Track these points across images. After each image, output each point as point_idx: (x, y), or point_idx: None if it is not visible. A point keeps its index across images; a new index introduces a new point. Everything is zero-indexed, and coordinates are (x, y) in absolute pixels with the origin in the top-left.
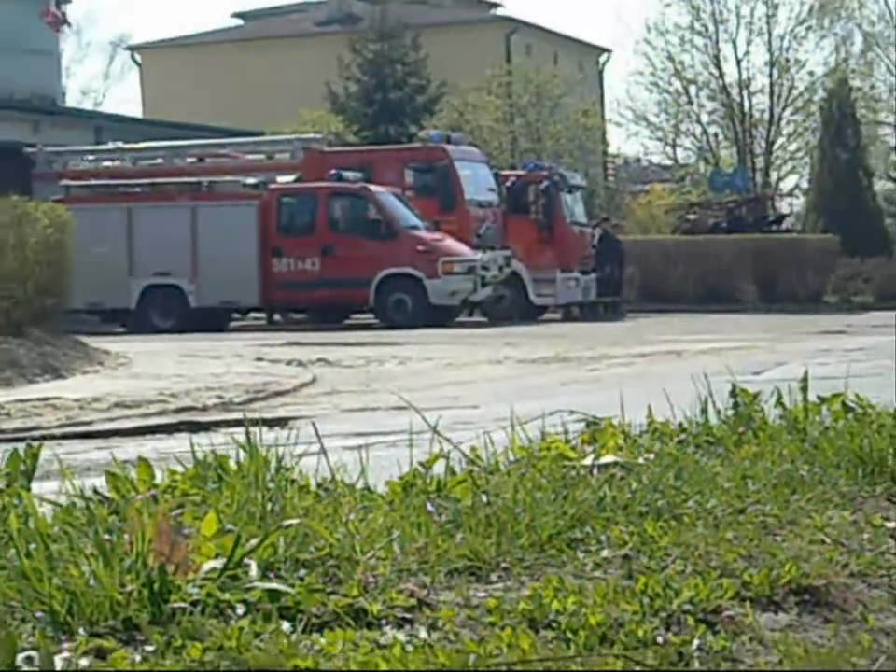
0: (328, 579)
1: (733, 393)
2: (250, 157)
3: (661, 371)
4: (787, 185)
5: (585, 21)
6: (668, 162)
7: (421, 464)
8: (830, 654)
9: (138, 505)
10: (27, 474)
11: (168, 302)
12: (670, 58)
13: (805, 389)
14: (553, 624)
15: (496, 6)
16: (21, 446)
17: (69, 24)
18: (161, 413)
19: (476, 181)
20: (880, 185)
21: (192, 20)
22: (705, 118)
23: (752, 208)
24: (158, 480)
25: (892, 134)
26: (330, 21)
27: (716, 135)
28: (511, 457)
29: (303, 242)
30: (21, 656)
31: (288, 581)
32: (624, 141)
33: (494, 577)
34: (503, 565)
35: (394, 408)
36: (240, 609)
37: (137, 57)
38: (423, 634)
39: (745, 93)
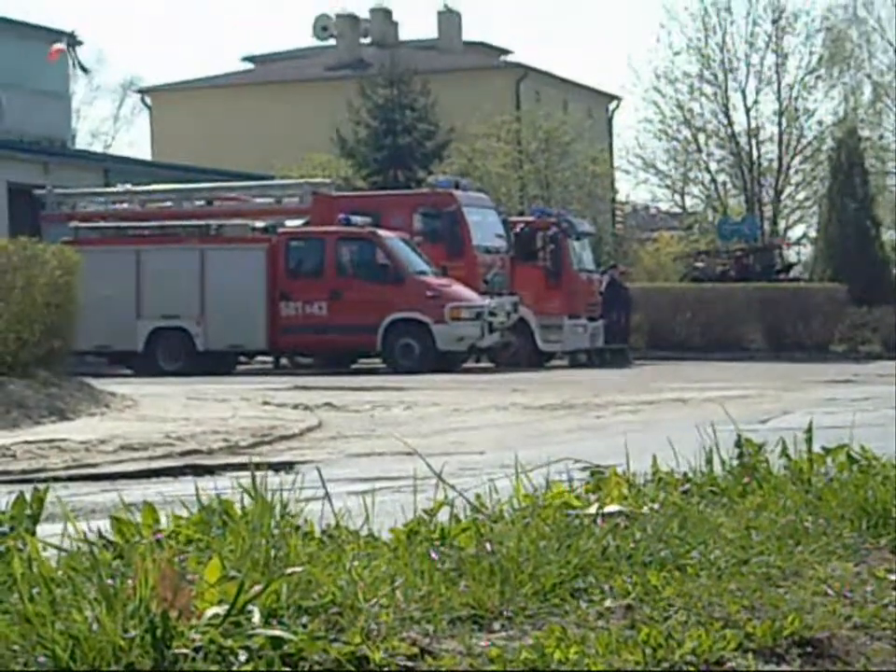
0: (330, 626)
1: (738, 443)
2: (259, 200)
3: (667, 419)
4: (795, 233)
5: (595, 68)
6: (677, 210)
7: (425, 511)
8: None
9: (142, 550)
10: (33, 518)
11: (175, 345)
12: (679, 106)
13: (809, 440)
14: None
15: (505, 52)
16: (26, 488)
17: (84, 70)
18: (166, 456)
19: (484, 227)
20: (888, 235)
21: (202, 63)
22: (713, 166)
23: (760, 257)
24: (162, 524)
25: None
26: (340, 66)
27: (724, 184)
28: (516, 505)
29: (311, 286)
30: None
31: (291, 629)
32: (633, 188)
33: (497, 626)
34: (506, 613)
35: (399, 453)
36: (242, 656)
37: (147, 100)
38: None
39: (754, 142)
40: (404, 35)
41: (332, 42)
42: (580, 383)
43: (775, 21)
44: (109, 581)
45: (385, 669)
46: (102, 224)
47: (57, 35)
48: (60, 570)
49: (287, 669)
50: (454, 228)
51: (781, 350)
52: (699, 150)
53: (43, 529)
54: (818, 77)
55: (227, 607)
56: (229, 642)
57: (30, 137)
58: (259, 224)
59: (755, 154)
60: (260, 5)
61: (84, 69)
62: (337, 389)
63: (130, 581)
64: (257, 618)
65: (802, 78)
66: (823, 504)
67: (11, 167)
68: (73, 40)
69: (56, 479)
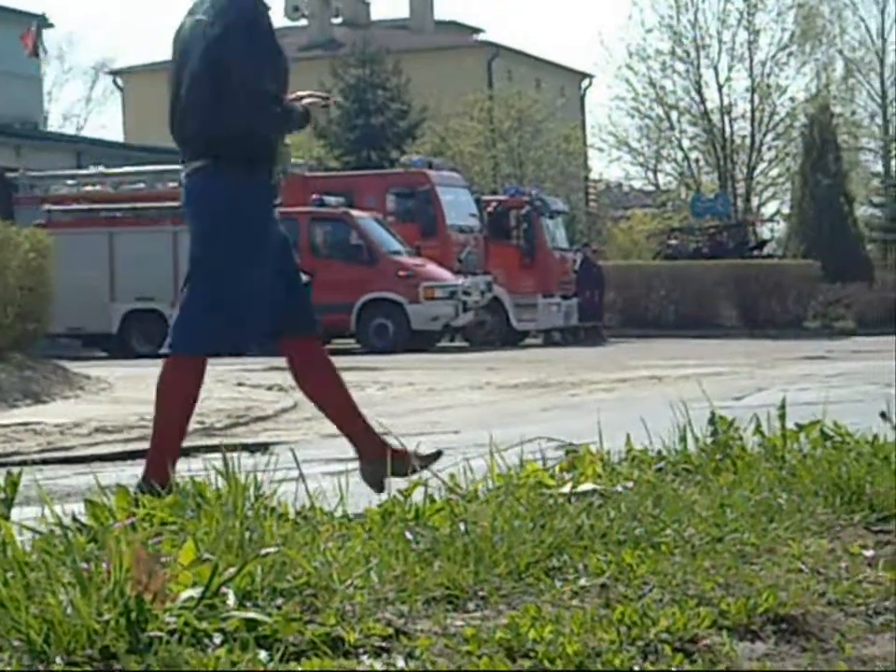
0: (305, 607)
1: (711, 420)
2: None
3: (641, 397)
4: (768, 210)
5: (567, 46)
6: (650, 188)
7: (400, 491)
8: None
9: (116, 533)
10: (6, 502)
11: (149, 327)
12: (652, 83)
13: (783, 417)
14: (531, 653)
15: (477, 31)
16: (0, 472)
17: (44, 51)
18: (141, 439)
19: (457, 206)
20: (861, 211)
21: None
22: (686, 143)
23: (733, 234)
24: (137, 507)
25: (873, 160)
26: (312, 46)
27: (697, 161)
28: (490, 485)
29: None
30: None
31: (266, 610)
32: (606, 166)
33: (471, 605)
34: (481, 593)
35: None
36: (217, 638)
37: (119, 81)
38: (400, 663)
39: (726, 119)
40: (376, 14)
41: (304, 22)
42: (554, 361)
43: None
44: (83, 565)
45: (361, 650)
46: (75, 207)
47: (27, 17)
48: (34, 554)
49: (262, 651)
50: (427, 207)
51: (755, 327)
52: (672, 128)
53: (17, 513)
54: (790, 54)
55: (201, 589)
56: (203, 625)
57: (1, 119)
58: None
59: (728, 131)
60: None
61: (44, 51)
62: None
63: (104, 565)
64: (231, 600)
65: (774, 55)
66: (797, 481)
67: None
68: (43, 22)
69: (30, 462)
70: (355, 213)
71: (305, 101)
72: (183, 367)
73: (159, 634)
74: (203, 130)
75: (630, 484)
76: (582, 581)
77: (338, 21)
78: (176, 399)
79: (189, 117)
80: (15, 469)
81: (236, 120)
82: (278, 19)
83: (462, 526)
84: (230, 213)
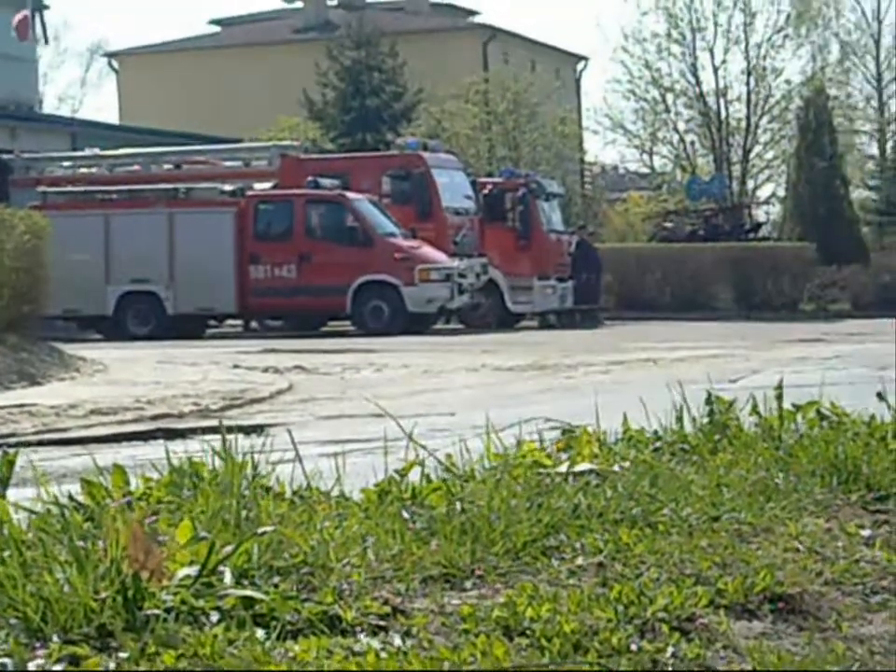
0: (302, 586)
1: (708, 401)
2: (227, 164)
3: (637, 379)
4: (763, 193)
5: (563, 28)
6: (645, 170)
7: (396, 471)
8: (804, 662)
9: (113, 512)
10: (2, 482)
11: (145, 309)
12: (647, 66)
13: (780, 397)
14: (528, 632)
15: (473, 13)
16: None
17: (44, 37)
18: (137, 420)
19: (453, 189)
20: (857, 193)
21: (169, 26)
22: (682, 126)
23: (729, 216)
24: (133, 487)
25: (869, 143)
26: (307, 29)
27: (693, 143)
28: (487, 465)
29: (280, 249)
30: None
31: (263, 589)
32: (601, 149)
33: (468, 584)
34: (478, 572)
35: (370, 415)
36: (214, 617)
37: (114, 64)
38: (397, 641)
39: (722, 101)
40: None
41: (299, 4)
42: (550, 343)
43: None
44: (80, 543)
45: (358, 628)
46: (70, 189)
47: None
48: (31, 533)
49: (259, 629)
50: (422, 189)
51: (751, 309)
52: (667, 110)
53: (14, 493)
54: (785, 37)
55: (198, 567)
56: (200, 603)
57: None
58: (228, 187)
59: (723, 114)
60: None
61: (43, 38)
62: (307, 352)
63: (101, 543)
64: (228, 578)
65: (769, 37)
66: (794, 461)
67: None
68: (38, 4)
69: (26, 444)
70: (350, 195)
71: None
72: None
73: (155, 612)
74: None
75: (627, 464)
76: (579, 560)
77: (333, 2)
78: None
79: None
80: (11, 451)
81: None
82: (274, 1)
83: (459, 506)
84: None
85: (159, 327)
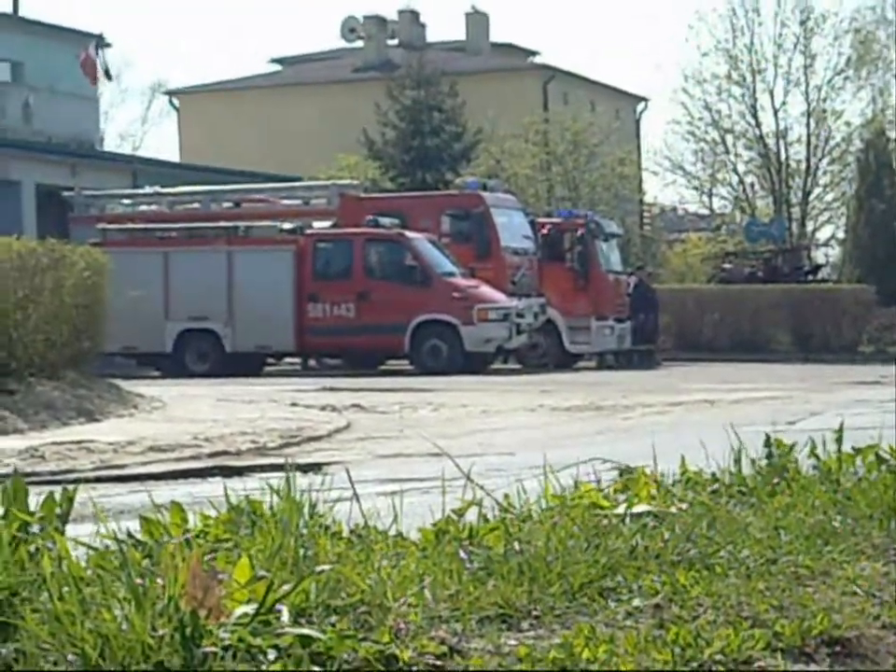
0: (359, 625)
1: (766, 443)
2: (286, 202)
3: (695, 420)
4: (823, 235)
5: (622, 69)
6: (704, 212)
7: (454, 511)
8: None
9: (171, 549)
10: (62, 518)
11: (203, 347)
12: (707, 107)
13: (839, 440)
14: None
15: (533, 53)
16: (55, 489)
17: (109, 76)
18: (194, 458)
19: (512, 228)
20: None
21: (230, 65)
22: (741, 167)
23: (788, 258)
24: (191, 524)
25: None
26: (368, 68)
27: (752, 185)
28: (544, 505)
29: (339, 287)
30: None
31: (320, 627)
32: (661, 190)
33: (525, 625)
34: (534, 613)
35: (427, 454)
36: (271, 655)
37: (175, 101)
38: None
39: (782, 143)
40: (432, 36)
41: (360, 44)
42: (607, 384)
43: (803, 23)
44: (138, 580)
45: (414, 668)
46: (130, 226)
47: (85, 37)
48: (89, 569)
49: (316, 668)
50: (481, 229)
51: (809, 351)
52: (727, 151)
53: (72, 529)
54: (846, 79)
55: (256, 606)
56: (258, 641)
57: (58, 139)
58: (287, 225)
59: (783, 155)
60: (288, 6)
61: (108, 75)
62: (365, 390)
63: (159, 580)
64: (286, 617)
65: (830, 80)
66: (852, 504)
67: (40, 169)
68: (101, 42)
69: (84, 480)
70: (409, 234)
71: None
72: None
73: (213, 649)
74: None
75: (684, 506)
76: (636, 602)
77: (394, 42)
78: None
79: None
80: (70, 487)
81: None
82: (334, 40)
83: (516, 546)
84: None
85: (217, 364)
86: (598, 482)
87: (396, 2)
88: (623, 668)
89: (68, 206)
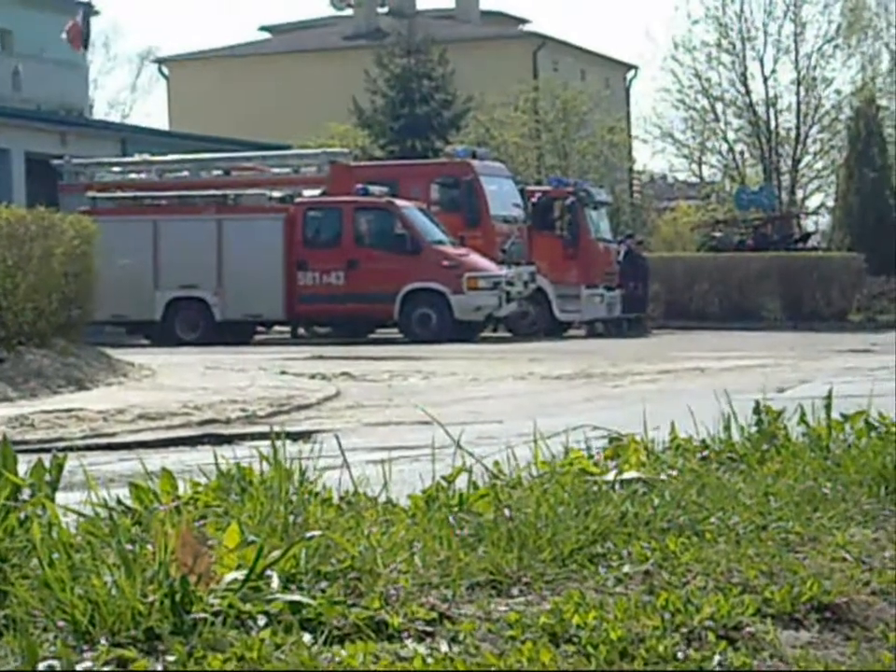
0: (349, 591)
1: (756, 410)
2: (276, 170)
3: (685, 388)
4: (813, 203)
5: (612, 37)
6: (694, 180)
7: (444, 478)
8: None
9: (161, 516)
10: (52, 485)
11: (193, 315)
12: (697, 75)
13: (828, 407)
14: (574, 639)
15: (523, 22)
16: (45, 457)
17: (85, 45)
18: (184, 426)
19: (501, 197)
20: None
21: (220, 33)
22: (731, 135)
23: (778, 226)
24: (181, 491)
25: None
26: (357, 36)
27: (742, 153)
28: (534, 472)
29: (329, 256)
30: (42, 665)
31: (310, 593)
32: (650, 158)
33: (515, 591)
34: (524, 579)
35: (417, 422)
36: (261, 621)
37: (164, 70)
38: (444, 647)
39: (772, 111)
40: (422, 4)
41: (349, 12)
42: (597, 352)
43: None
44: (128, 547)
45: (404, 634)
46: (119, 194)
47: (75, 5)
48: (79, 536)
49: (306, 633)
50: (471, 197)
51: (799, 319)
52: (716, 119)
53: (62, 497)
54: (836, 46)
55: (246, 572)
56: (248, 607)
57: (47, 107)
58: (277, 194)
59: (773, 123)
60: None
61: (85, 44)
62: (354, 359)
63: (149, 547)
64: (275, 583)
65: (820, 47)
66: (842, 470)
67: (29, 137)
68: (89, 10)
69: (74, 448)
70: (399, 202)
71: None
72: None
73: (203, 615)
74: None
75: (674, 473)
76: (626, 568)
77: (384, 10)
78: None
79: None
80: (60, 454)
81: None
82: (324, 8)
83: (506, 512)
84: None
85: (206, 333)
86: (588, 449)
87: None
88: (612, 634)
89: (57, 175)
